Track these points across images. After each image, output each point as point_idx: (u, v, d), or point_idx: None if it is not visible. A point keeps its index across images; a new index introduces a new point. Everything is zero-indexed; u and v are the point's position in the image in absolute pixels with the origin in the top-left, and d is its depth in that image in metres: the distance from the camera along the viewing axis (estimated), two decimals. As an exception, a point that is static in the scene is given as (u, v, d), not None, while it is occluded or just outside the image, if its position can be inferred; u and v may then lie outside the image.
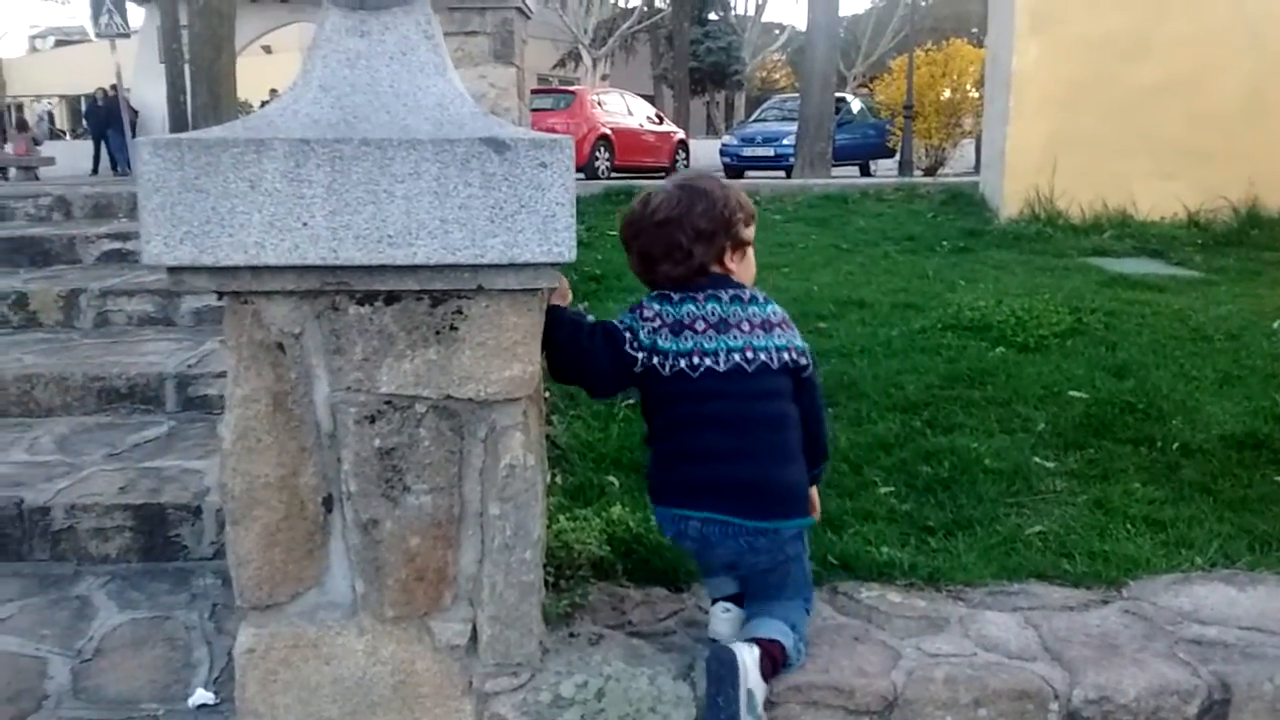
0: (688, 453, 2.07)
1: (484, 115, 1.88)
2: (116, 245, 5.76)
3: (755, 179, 14.90)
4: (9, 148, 19.39)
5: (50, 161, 18.46)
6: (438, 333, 1.89)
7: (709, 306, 2.09)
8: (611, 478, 3.09)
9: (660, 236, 2.11)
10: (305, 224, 1.77)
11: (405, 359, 1.89)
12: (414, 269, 1.82)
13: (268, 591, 1.96)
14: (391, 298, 1.87)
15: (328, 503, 1.95)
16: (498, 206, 1.78)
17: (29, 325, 4.84)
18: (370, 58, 1.93)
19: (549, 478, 3.02)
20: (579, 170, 17.78)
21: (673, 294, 2.11)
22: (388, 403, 1.91)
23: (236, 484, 1.91)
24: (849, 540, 2.64)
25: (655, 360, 2.06)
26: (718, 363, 2.05)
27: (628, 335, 2.06)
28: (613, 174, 17.98)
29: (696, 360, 2.05)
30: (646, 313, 2.09)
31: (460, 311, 1.88)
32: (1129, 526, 2.75)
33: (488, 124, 1.84)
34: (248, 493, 1.92)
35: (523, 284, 1.85)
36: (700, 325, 2.07)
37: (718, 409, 2.04)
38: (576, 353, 2.06)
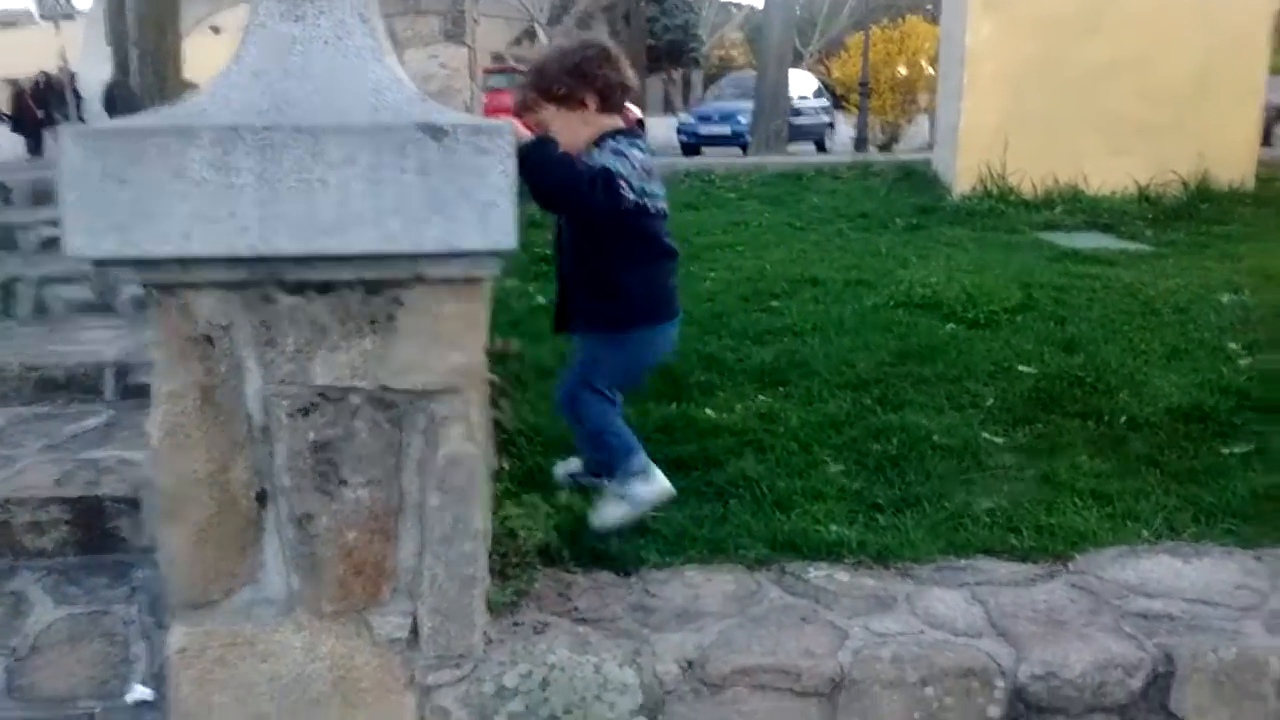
0: (670, 272, 2.64)
1: (421, 100, 1.84)
2: (56, 232, 5.57)
3: (712, 157, 14.82)
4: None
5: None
6: (373, 322, 1.85)
7: (652, 157, 2.51)
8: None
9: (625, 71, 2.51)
10: (233, 214, 1.72)
11: (340, 350, 1.85)
12: (350, 259, 1.78)
13: (201, 589, 1.92)
14: (325, 287, 1.83)
15: (261, 498, 1.91)
16: (435, 194, 1.74)
17: (-35, 317, 4.72)
18: (305, 42, 1.87)
19: (497, 463, 2.99)
20: (535, 150, 17.60)
21: (639, 140, 2.47)
22: (322, 395, 1.87)
23: (166, 481, 1.87)
24: (797, 519, 2.63)
25: (647, 201, 2.44)
26: (663, 202, 2.55)
27: (622, 184, 2.32)
28: (569, 153, 17.84)
29: (661, 203, 2.53)
30: (634, 162, 2.39)
31: (398, 300, 1.84)
32: (1076, 500, 2.76)
33: (425, 110, 1.80)
34: (177, 489, 1.87)
35: (463, 273, 1.82)
36: (655, 171, 2.50)
37: (673, 243, 2.61)
38: (577, 195, 2.28)
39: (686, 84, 44.21)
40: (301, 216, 1.72)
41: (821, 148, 20.88)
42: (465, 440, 1.89)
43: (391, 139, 1.72)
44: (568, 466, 2.91)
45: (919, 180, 7.97)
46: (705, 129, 20.02)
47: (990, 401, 3.44)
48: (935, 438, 3.15)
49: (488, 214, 1.75)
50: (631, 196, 2.35)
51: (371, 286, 1.83)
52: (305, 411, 1.87)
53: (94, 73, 19.39)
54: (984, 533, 2.59)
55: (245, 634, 1.95)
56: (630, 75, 2.53)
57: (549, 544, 2.47)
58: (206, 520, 1.89)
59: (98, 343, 3.97)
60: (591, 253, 2.53)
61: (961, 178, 7.30)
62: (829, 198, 7.41)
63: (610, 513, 2.60)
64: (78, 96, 17.86)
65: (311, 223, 1.73)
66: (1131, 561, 2.41)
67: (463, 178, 1.74)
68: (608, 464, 2.65)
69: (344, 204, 1.73)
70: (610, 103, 2.48)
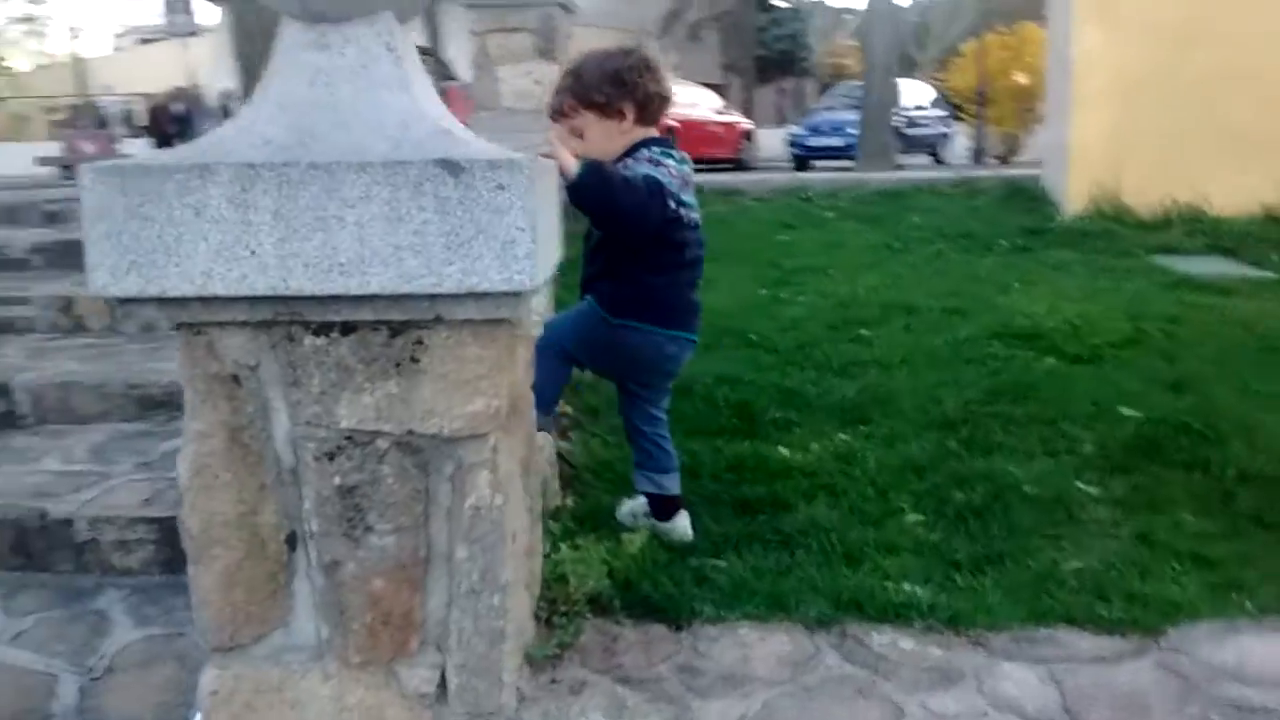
0: (693, 283, 2.60)
1: (445, 134, 1.75)
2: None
3: (815, 173, 14.49)
4: (89, 146, 19.77)
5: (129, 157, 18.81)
6: (398, 365, 1.77)
7: (688, 167, 2.50)
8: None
9: (664, 81, 2.49)
10: (253, 252, 1.66)
11: (364, 392, 1.78)
12: (369, 299, 1.70)
13: (230, 633, 1.87)
14: (347, 328, 1.76)
15: (291, 541, 1.85)
16: (454, 232, 1.66)
17: (76, 331, 4.84)
18: (330, 73, 1.81)
19: (560, 501, 2.91)
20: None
21: (672, 150, 2.46)
22: (348, 438, 1.80)
23: (194, 522, 1.82)
24: (866, 575, 2.47)
25: (682, 211, 2.44)
26: (697, 214, 2.53)
27: (668, 192, 2.35)
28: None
29: (695, 214, 2.51)
30: (673, 171, 2.40)
31: (420, 342, 1.76)
32: (1174, 564, 2.53)
33: (446, 144, 1.71)
34: (206, 531, 1.82)
35: (483, 314, 1.73)
36: (690, 182, 2.50)
37: (700, 253, 2.58)
38: (642, 212, 2.29)
39: (800, 94, 43.79)
40: (319, 255, 1.66)
41: (938, 159, 20.37)
42: (491, 489, 1.80)
43: (409, 175, 1.64)
44: (633, 507, 2.80)
45: (1027, 198, 7.63)
46: (815, 141, 19.65)
47: (1087, 447, 3.21)
48: (1025, 487, 2.95)
49: (507, 253, 1.66)
50: (672, 205, 2.37)
51: (394, 328, 1.75)
52: (331, 455, 1.80)
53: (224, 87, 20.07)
54: (1069, 598, 2.39)
55: (274, 680, 1.89)
56: (669, 86, 2.52)
57: (600, 592, 2.37)
58: (235, 563, 1.84)
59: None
60: (622, 259, 2.48)
61: (1072, 196, 6.94)
62: (931, 216, 7.15)
63: None
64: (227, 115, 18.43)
65: (329, 262, 1.66)
66: (1231, 639, 2.19)
67: (481, 215, 1.65)
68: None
69: (362, 242, 1.65)
70: (648, 113, 2.46)
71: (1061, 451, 3.19)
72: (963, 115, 21.52)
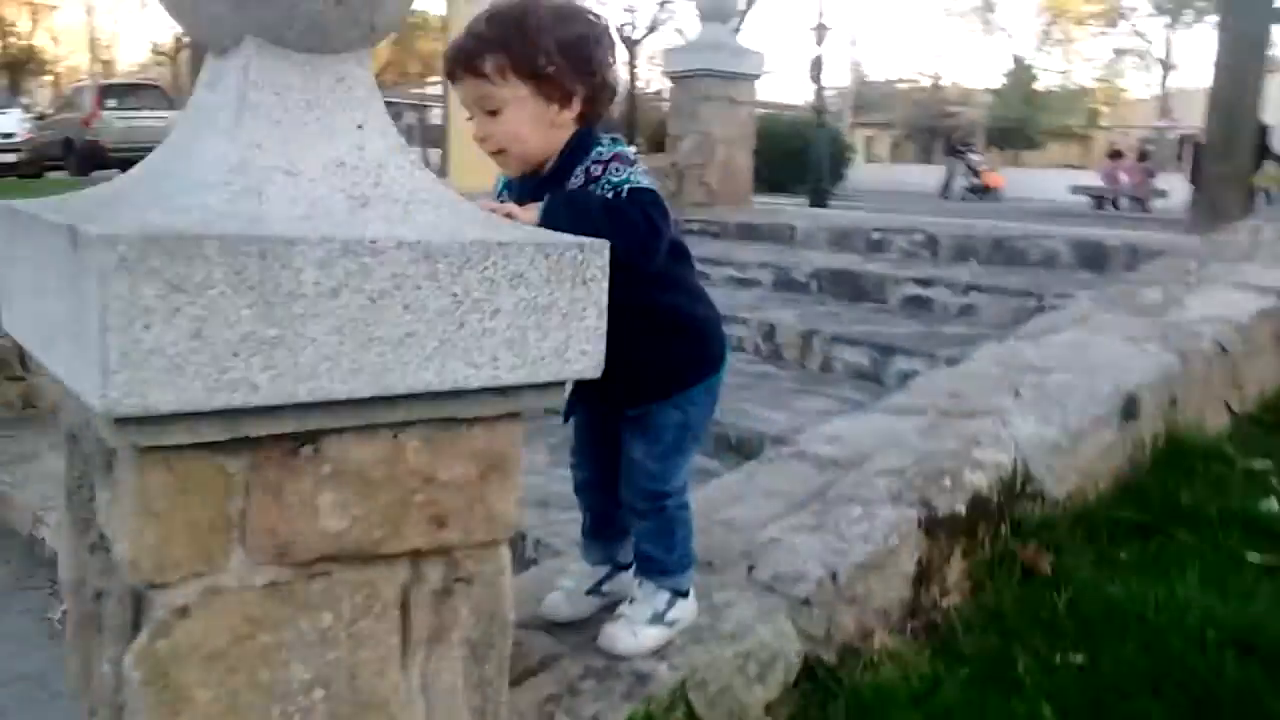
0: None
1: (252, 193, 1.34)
2: (918, 291, 5.57)
3: None
4: (1124, 177, 19.50)
5: (1162, 194, 17.97)
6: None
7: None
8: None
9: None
10: None
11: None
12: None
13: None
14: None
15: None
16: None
17: (772, 358, 5.06)
18: (209, 111, 1.54)
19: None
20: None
21: (620, 141, 1.85)
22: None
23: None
24: None
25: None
26: None
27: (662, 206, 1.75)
28: None
29: None
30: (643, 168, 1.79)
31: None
32: None
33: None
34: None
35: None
36: None
37: None
38: (637, 242, 1.67)
39: None
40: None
41: None
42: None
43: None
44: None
45: None
46: None
47: None
48: None
49: None
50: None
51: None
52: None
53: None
54: None
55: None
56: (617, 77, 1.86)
57: None
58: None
59: (788, 413, 4.03)
60: (633, 302, 1.63)
61: None
62: None
63: (650, 635, 1.88)
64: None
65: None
66: None
67: None
68: (660, 564, 1.91)
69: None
70: (595, 109, 1.77)
71: None
72: None
